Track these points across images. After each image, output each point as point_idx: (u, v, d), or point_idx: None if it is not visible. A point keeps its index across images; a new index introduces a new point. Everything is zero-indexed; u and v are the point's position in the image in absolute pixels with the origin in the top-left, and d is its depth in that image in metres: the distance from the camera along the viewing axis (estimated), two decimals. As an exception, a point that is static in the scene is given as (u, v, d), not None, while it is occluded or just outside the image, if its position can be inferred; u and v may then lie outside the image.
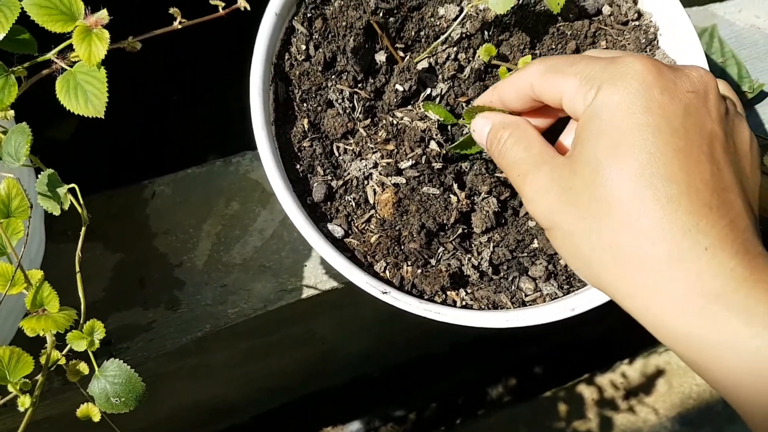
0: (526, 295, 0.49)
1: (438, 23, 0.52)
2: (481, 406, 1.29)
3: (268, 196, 0.66)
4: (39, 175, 0.43)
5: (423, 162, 0.49)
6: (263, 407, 1.20)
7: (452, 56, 0.51)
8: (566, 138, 0.46)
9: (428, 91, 0.51)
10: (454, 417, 1.28)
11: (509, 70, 0.50)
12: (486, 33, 0.51)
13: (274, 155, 0.47)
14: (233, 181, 0.66)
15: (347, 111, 0.50)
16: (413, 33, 0.52)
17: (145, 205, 0.64)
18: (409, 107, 0.51)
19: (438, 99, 0.51)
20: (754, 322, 0.32)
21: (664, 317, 0.35)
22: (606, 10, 0.53)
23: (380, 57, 0.51)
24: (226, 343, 0.70)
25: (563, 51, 0.52)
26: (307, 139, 0.50)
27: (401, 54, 0.52)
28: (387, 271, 0.48)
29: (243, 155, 0.67)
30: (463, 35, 0.51)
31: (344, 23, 0.50)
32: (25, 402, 0.40)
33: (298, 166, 0.49)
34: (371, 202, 0.49)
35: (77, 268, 0.42)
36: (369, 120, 0.51)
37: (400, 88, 0.50)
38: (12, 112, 0.43)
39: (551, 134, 0.46)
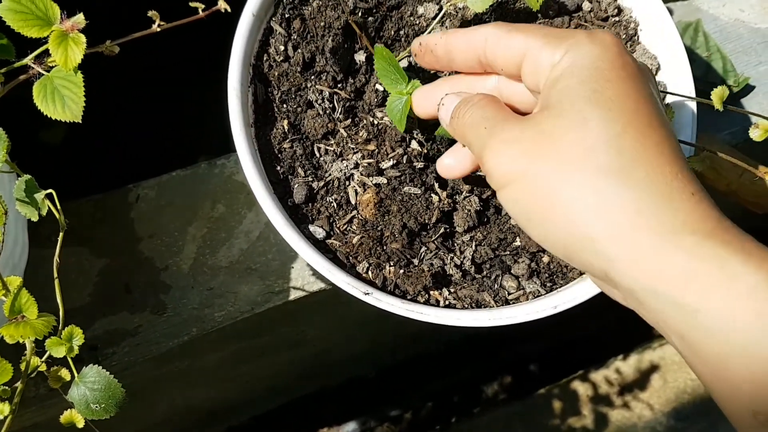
0: (509, 294, 0.49)
1: (417, 22, 0.51)
2: (477, 404, 1.28)
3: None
4: (17, 181, 0.43)
5: (404, 162, 0.49)
6: (259, 409, 1.20)
7: (432, 55, 0.51)
8: (519, 99, 0.44)
9: (408, 90, 0.51)
10: (449, 416, 1.28)
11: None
12: (466, 31, 0.51)
13: (253, 157, 0.47)
14: (218, 183, 0.66)
15: (327, 111, 0.50)
16: (393, 32, 0.51)
17: (129, 209, 0.64)
18: (390, 107, 0.51)
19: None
20: (750, 260, 0.32)
21: (650, 259, 0.33)
22: (586, 6, 0.53)
23: (360, 57, 0.51)
24: (215, 345, 0.70)
25: (543, 48, 0.52)
26: (288, 140, 0.50)
27: (381, 54, 0.51)
28: (369, 272, 0.48)
29: (228, 157, 0.67)
30: (443, 34, 0.51)
31: (322, 23, 0.50)
32: (3, 409, 0.40)
33: (278, 168, 0.49)
34: (353, 202, 0.49)
35: (55, 274, 0.41)
36: (349, 120, 0.51)
37: (381, 88, 0.50)
38: (-12, 118, 0.43)
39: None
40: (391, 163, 0.49)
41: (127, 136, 0.87)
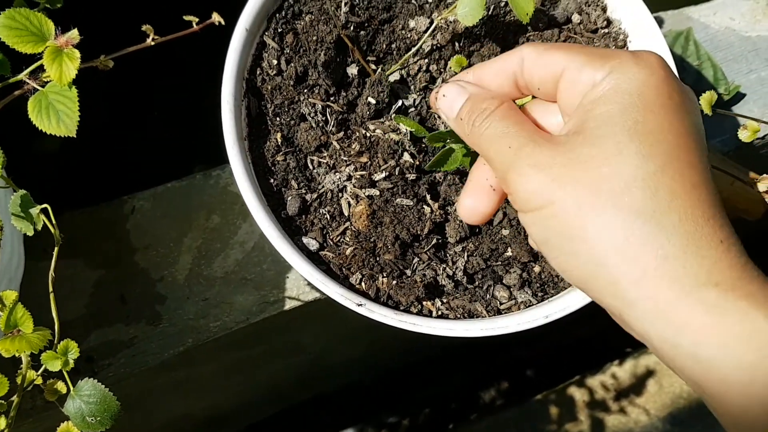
0: (500, 304, 0.49)
1: (409, 35, 0.52)
2: (474, 410, 1.29)
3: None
4: (12, 196, 0.43)
5: (396, 173, 0.50)
6: (256, 417, 1.20)
7: (424, 68, 0.52)
8: (545, 118, 0.42)
9: (400, 102, 0.52)
10: (447, 422, 1.28)
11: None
12: (457, 44, 0.52)
13: (246, 170, 0.48)
14: (213, 194, 0.66)
15: (320, 124, 0.51)
16: (384, 46, 0.52)
17: (125, 220, 0.64)
18: (382, 119, 0.51)
19: (411, 110, 0.52)
20: None
21: (670, 311, 0.33)
22: (575, 18, 0.54)
23: (352, 70, 0.51)
24: (211, 356, 0.70)
25: (534, 60, 0.52)
26: (281, 153, 0.50)
27: (373, 67, 0.52)
28: (363, 283, 0.48)
29: (223, 168, 0.68)
30: (434, 47, 0.52)
31: (315, 37, 0.50)
32: (0, 423, 0.40)
33: (272, 180, 0.50)
34: (346, 214, 0.50)
35: (50, 288, 0.42)
36: (342, 133, 0.51)
37: (373, 101, 0.51)
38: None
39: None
40: (383, 174, 0.50)
41: (122, 148, 0.88)
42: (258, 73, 0.51)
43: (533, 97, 0.42)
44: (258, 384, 0.98)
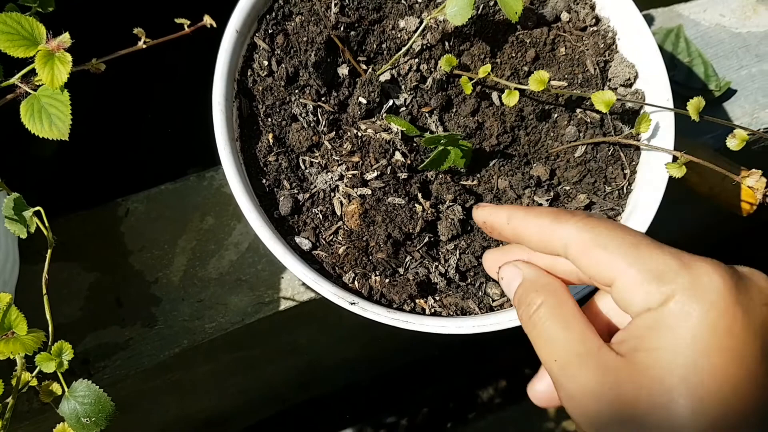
0: (493, 300, 0.49)
1: (399, 35, 0.52)
2: (472, 409, 1.29)
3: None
4: (5, 199, 0.44)
5: (388, 173, 0.50)
6: (255, 417, 1.20)
7: (414, 67, 0.52)
8: (601, 301, 0.41)
9: (391, 102, 0.52)
10: (445, 421, 1.28)
11: (471, 79, 0.51)
12: (447, 44, 0.52)
13: (238, 171, 0.48)
14: (207, 195, 0.67)
15: (312, 124, 0.51)
16: (375, 46, 0.52)
17: (119, 222, 0.65)
18: (373, 119, 0.52)
19: (402, 110, 0.52)
20: None
21: None
22: (564, 16, 0.54)
23: (343, 70, 0.52)
24: (206, 357, 0.70)
25: (523, 59, 0.53)
26: (273, 153, 0.50)
27: (363, 67, 0.52)
28: (355, 282, 0.49)
29: (216, 170, 0.68)
30: (425, 46, 0.52)
31: (305, 38, 0.51)
32: (-5, 425, 0.40)
33: (264, 181, 0.50)
34: (338, 213, 0.50)
35: (44, 291, 0.42)
36: (333, 133, 0.51)
37: (364, 101, 0.51)
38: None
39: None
40: (375, 174, 0.50)
41: (116, 150, 0.88)
42: (249, 74, 0.51)
43: None
44: (255, 385, 0.98)
